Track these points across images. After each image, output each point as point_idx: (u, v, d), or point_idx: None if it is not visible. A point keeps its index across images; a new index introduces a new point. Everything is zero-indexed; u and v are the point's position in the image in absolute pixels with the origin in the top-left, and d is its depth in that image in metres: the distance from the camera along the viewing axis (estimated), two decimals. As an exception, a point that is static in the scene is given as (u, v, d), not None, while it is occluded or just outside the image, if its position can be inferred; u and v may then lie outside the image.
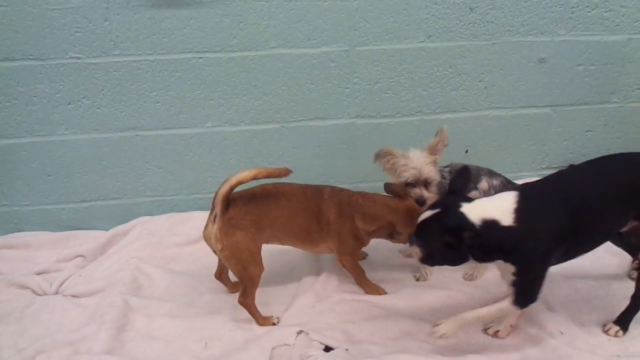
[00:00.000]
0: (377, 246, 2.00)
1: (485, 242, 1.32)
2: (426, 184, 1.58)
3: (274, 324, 1.65)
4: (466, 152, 2.27)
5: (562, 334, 1.52)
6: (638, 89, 2.30)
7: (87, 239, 2.15)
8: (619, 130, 2.38)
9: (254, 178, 1.53)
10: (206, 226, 1.61)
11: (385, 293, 1.76)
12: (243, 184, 1.54)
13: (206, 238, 1.61)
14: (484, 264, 1.83)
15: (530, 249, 1.34)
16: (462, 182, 1.45)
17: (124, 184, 2.21)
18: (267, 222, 1.61)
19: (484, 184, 1.76)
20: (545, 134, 2.34)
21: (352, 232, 1.69)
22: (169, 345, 1.58)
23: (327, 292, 1.78)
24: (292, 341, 1.55)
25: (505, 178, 1.83)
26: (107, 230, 2.18)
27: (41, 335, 1.62)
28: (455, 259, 1.38)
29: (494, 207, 1.35)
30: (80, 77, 2.02)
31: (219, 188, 1.54)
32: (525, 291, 1.38)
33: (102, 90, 2.05)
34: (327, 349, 1.53)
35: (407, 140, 2.25)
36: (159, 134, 2.14)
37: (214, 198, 1.56)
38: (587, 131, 2.37)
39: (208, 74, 2.07)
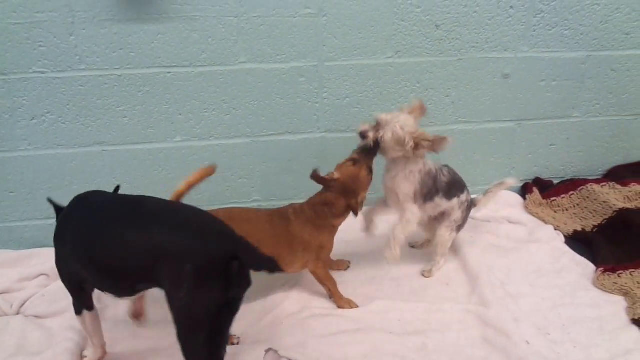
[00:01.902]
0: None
1: None
2: (378, 127, 1.70)
3: (232, 344, 1.59)
4: (435, 165, 2.30)
5: (528, 343, 1.54)
6: (597, 104, 2.38)
7: (51, 257, 2.03)
8: (580, 144, 2.46)
9: (189, 186, 1.61)
10: None
11: (357, 307, 1.76)
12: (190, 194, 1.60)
13: None
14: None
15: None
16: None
17: (90, 200, 2.16)
18: None
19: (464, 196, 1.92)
20: (510, 147, 2.40)
21: (330, 232, 1.75)
22: (134, 366, 1.55)
23: (296, 307, 1.76)
24: None
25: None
26: (72, 248, 2.12)
27: (0, 358, 1.56)
28: None
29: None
30: (45, 92, 1.98)
31: None
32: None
33: (68, 105, 2.01)
34: (297, 365, 1.52)
35: (376, 154, 2.28)
36: (126, 149, 2.11)
37: None
38: (550, 145, 2.44)
39: (177, 89, 2.06)
